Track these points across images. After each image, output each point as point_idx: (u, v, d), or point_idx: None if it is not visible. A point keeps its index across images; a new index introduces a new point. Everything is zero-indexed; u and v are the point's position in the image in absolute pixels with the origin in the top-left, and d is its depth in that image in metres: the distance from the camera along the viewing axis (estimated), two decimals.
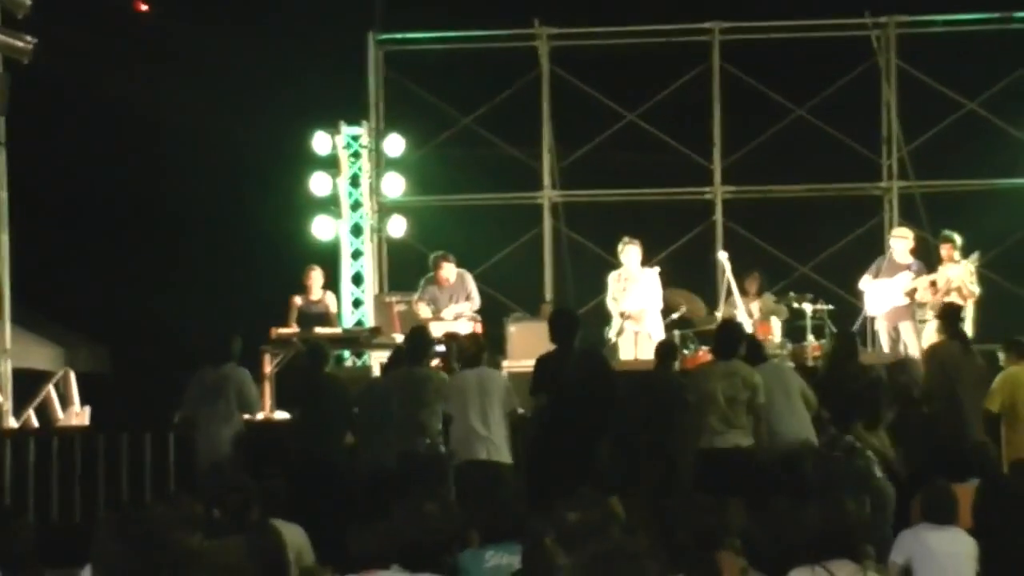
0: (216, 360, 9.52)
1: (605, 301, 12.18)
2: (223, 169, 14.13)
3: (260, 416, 11.13)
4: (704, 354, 11.46)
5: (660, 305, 12.10)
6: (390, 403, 9.13)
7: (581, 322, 9.18)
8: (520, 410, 8.95)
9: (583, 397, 8.47)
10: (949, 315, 9.98)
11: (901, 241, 12.25)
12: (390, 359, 9.85)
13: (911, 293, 11.90)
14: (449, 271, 12.12)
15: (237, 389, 9.44)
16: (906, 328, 11.91)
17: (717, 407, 8.41)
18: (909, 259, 12.15)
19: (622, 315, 11.82)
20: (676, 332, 11.99)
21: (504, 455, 8.76)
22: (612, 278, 12.14)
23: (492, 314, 12.79)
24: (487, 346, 9.39)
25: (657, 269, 12.24)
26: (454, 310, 11.99)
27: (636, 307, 11.90)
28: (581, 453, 8.34)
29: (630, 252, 12.09)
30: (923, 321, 11.77)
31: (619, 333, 11.90)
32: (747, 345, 8.98)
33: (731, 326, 9.31)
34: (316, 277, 12.58)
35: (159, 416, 10.77)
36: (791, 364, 10.41)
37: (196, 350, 9.90)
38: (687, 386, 8.68)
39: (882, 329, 12.18)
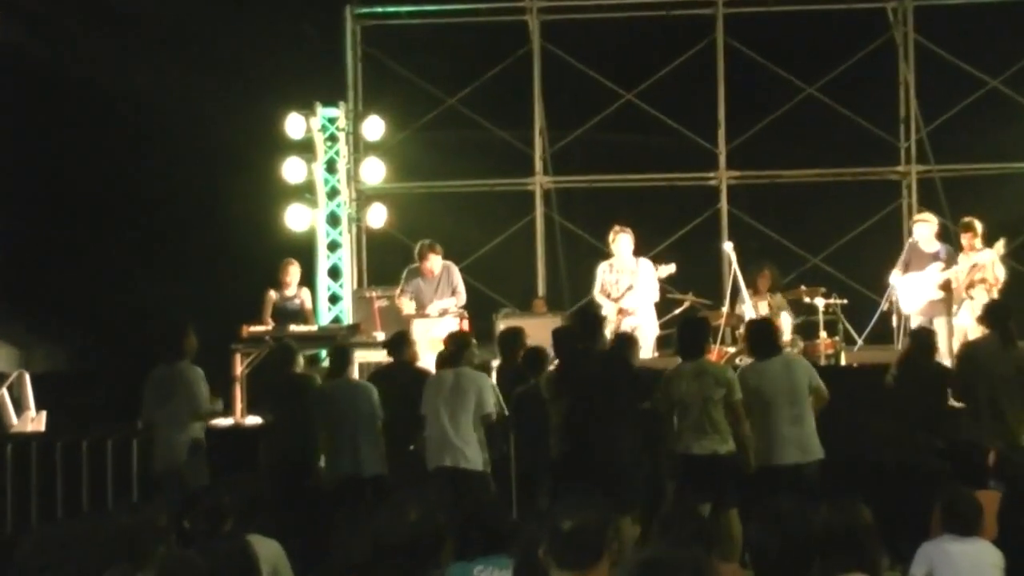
0: (169, 358, 9.42)
1: (594, 294, 12.14)
2: (190, 154, 14.08)
3: (230, 420, 11.16)
4: (717, 352, 11.53)
5: (655, 298, 12.10)
6: (363, 405, 9.17)
7: (603, 322, 9.21)
8: (494, 413, 8.94)
9: (606, 404, 8.46)
10: (994, 310, 9.58)
11: (924, 226, 11.97)
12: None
13: (945, 286, 11.69)
14: (435, 262, 12.07)
15: (188, 390, 9.38)
16: (940, 324, 11.64)
17: (690, 412, 8.39)
18: (936, 246, 11.92)
19: (620, 312, 11.79)
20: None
21: (474, 462, 8.79)
22: (602, 269, 12.14)
23: (480, 310, 12.76)
24: (469, 344, 9.32)
25: (650, 262, 12.21)
26: (439, 305, 11.96)
27: (630, 301, 11.93)
28: (602, 465, 8.32)
29: (622, 241, 12.06)
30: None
31: (614, 330, 11.90)
32: (757, 335, 8.97)
33: (693, 323, 9.22)
34: (294, 272, 12.59)
35: (122, 421, 10.73)
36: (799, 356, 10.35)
37: (161, 348, 9.82)
38: (661, 394, 8.59)
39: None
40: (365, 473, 9.05)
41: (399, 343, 9.92)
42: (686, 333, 8.80)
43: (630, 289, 11.91)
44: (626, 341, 9.55)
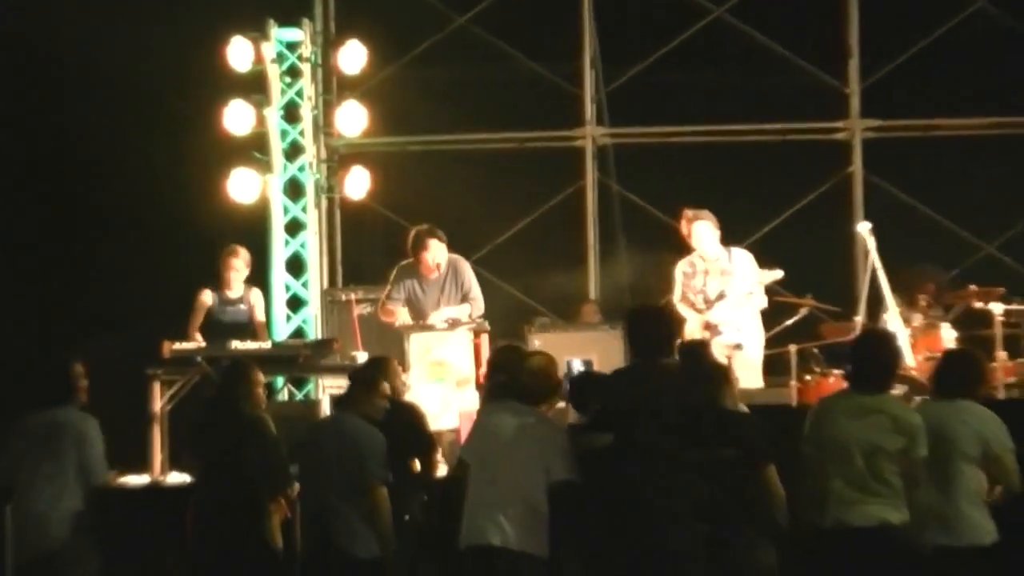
0: (49, 400, 9.22)
1: (673, 303, 12.09)
2: (99, 102, 14.17)
3: (144, 478, 11.06)
4: (837, 380, 11.47)
5: (761, 303, 12.10)
6: (354, 457, 8.97)
7: (677, 327, 9.07)
8: (570, 478, 8.65)
9: (669, 445, 8.29)
10: None
11: None
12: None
13: None
14: (438, 255, 11.96)
15: (76, 443, 9.15)
16: None
17: (850, 463, 8.27)
18: None
19: (707, 327, 11.83)
20: (792, 347, 11.95)
21: (534, 544, 8.50)
22: (682, 270, 12.19)
23: (506, 320, 12.66)
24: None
25: (748, 254, 12.27)
26: (447, 314, 11.92)
27: (723, 312, 11.96)
28: (649, 543, 8.21)
29: (700, 232, 12.11)
30: None
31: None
32: (955, 366, 8.87)
33: (876, 339, 9.11)
34: (238, 264, 12.53)
35: None
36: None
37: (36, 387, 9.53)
38: (808, 433, 8.53)
39: None
40: (350, 552, 8.91)
41: (373, 374, 9.61)
42: (861, 352, 8.65)
43: (721, 298, 11.96)
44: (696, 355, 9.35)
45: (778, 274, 12.08)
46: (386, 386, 9.78)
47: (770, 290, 12.18)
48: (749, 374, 11.62)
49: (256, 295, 12.71)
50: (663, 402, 8.39)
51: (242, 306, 12.55)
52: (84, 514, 9.22)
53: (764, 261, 12.24)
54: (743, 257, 12.15)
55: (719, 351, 11.59)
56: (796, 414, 10.02)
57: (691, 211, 12.14)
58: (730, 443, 8.52)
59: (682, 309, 11.89)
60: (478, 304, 12.03)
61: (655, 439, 8.30)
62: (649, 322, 8.78)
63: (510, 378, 9.08)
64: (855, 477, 8.23)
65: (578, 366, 11.38)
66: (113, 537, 9.34)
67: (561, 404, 9.47)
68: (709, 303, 11.96)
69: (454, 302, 11.98)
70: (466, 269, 12.19)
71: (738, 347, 11.69)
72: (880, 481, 8.22)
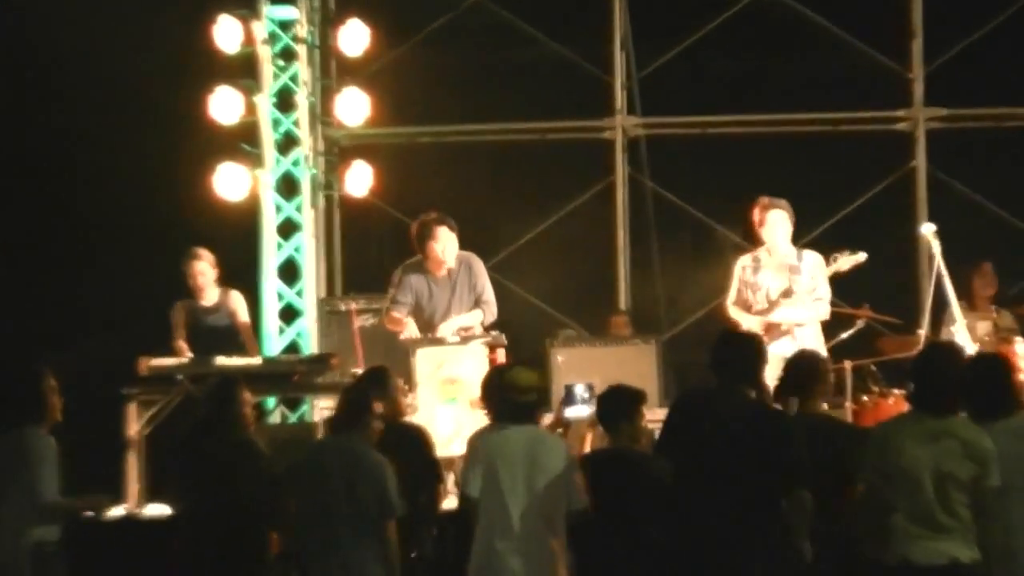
0: (17, 418, 9.05)
1: (726, 306, 12.12)
2: (74, 89, 14.35)
3: (120, 510, 11.21)
4: (897, 401, 11.57)
5: (825, 313, 12.00)
6: (363, 485, 8.95)
7: (763, 354, 9.07)
8: (587, 507, 8.80)
9: (736, 474, 8.40)
10: None
11: None
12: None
13: None
14: (448, 244, 11.90)
15: (32, 464, 9.03)
16: None
17: (918, 494, 8.24)
18: None
19: (767, 329, 11.64)
20: (848, 363, 12.01)
21: None
22: (743, 266, 12.12)
23: (526, 333, 12.73)
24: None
25: (820, 257, 12.17)
26: (458, 323, 11.88)
27: (787, 313, 11.92)
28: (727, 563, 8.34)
29: (774, 221, 12.04)
30: None
31: None
32: (987, 380, 8.71)
33: (942, 354, 9.00)
34: (202, 268, 12.53)
35: None
36: None
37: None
38: (865, 457, 8.52)
39: None
40: None
41: (366, 393, 9.55)
42: (927, 369, 8.60)
43: (787, 295, 11.92)
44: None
45: (860, 257, 12.07)
46: (378, 405, 9.73)
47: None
48: None
49: (235, 297, 12.76)
50: (735, 429, 8.50)
51: (221, 313, 12.64)
52: (49, 541, 9.07)
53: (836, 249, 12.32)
54: (814, 259, 12.07)
55: (775, 362, 11.54)
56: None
57: (767, 198, 12.09)
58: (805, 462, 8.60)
59: (735, 313, 11.99)
60: (491, 309, 12.01)
61: (725, 466, 8.42)
62: (734, 348, 8.96)
63: (501, 398, 9.08)
64: (922, 509, 8.22)
65: (581, 391, 11.31)
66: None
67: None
68: (772, 303, 11.92)
69: (466, 305, 11.96)
70: (480, 268, 12.11)
71: None
72: (949, 513, 8.19)
